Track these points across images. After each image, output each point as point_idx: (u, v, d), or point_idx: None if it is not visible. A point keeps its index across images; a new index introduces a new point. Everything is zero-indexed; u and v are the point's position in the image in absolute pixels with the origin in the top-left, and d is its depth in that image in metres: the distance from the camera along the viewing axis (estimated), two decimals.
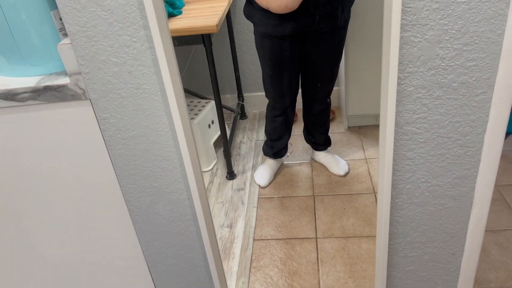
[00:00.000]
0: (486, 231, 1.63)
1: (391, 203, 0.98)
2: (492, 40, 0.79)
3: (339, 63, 1.82)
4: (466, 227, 1.02)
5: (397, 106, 0.86)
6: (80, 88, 0.88)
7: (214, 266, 1.09)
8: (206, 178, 2.17)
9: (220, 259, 1.13)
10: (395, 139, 0.90)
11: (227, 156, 2.06)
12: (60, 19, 0.91)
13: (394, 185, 0.96)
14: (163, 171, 0.98)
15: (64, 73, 0.93)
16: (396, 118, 0.87)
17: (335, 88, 2.02)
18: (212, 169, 2.22)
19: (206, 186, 2.10)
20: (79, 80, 0.87)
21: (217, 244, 1.09)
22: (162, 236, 1.08)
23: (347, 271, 1.56)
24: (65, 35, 0.92)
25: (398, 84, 0.84)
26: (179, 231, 1.07)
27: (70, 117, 0.92)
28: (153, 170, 0.98)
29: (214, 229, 1.07)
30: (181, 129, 0.87)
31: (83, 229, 1.10)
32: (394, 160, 0.92)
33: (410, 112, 0.87)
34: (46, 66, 0.93)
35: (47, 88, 0.88)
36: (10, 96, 0.89)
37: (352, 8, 1.72)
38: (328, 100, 1.94)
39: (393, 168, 0.93)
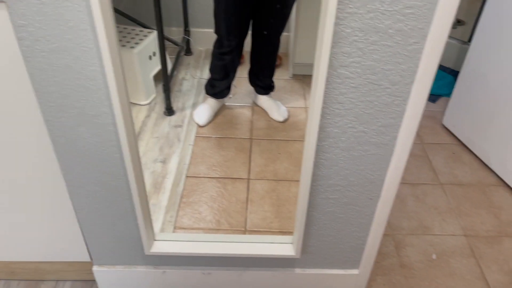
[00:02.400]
0: (405, 183, 1.74)
1: (317, 145, 0.99)
2: None
3: (293, 4, 1.77)
4: (384, 174, 1.07)
5: (332, 47, 0.85)
6: None
7: (137, 196, 1.07)
8: (143, 112, 2.10)
9: (145, 188, 1.11)
10: (327, 81, 0.90)
11: (166, 91, 2.00)
12: None
13: (322, 128, 0.97)
14: (86, 91, 0.92)
15: None
16: (330, 60, 0.87)
17: (284, 34, 1.98)
18: (150, 103, 2.15)
19: (142, 120, 2.04)
20: None
21: (142, 173, 1.07)
22: (84, 160, 1.04)
23: (274, 211, 1.61)
24: None
25: (336, 24, 0.82)
26: (103, 157, 1.03)
27: None
28: (75, 89, 0.92)
29: (139, 156, 1.04)
30: (106, 45, 0.81)
31: (1, 150, 1.04)
32: (324, 103, 0.93)
33: (346, 55, 0.87)
34: None
35: None
36: None
37: None
38: (277, 41, 1.91)
39: (322, 111, 0.94)
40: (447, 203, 1.65)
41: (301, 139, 1.97)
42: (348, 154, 1.03)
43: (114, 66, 0.84)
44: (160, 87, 2.21)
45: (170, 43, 2.47)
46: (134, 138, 1.00)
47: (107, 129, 0.98)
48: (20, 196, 1.16)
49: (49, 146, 1.02)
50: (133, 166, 1.01)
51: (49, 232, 1.26)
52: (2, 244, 1.30)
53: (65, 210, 1.18)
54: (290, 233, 1.22)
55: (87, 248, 1.27)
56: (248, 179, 1.76)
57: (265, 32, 1.86)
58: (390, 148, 1.02)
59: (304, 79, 2.41)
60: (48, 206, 1.19)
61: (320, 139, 0.99)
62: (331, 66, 0.88)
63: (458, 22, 2.62)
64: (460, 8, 2.67)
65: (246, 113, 2.14)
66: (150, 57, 2.10)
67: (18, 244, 1.30)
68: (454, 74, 2.34)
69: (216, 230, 1.54)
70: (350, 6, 0.81)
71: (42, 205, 1.19)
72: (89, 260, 1.31)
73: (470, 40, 2.33)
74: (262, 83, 2.08)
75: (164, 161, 1.83)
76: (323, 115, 0.95)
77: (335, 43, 0.85)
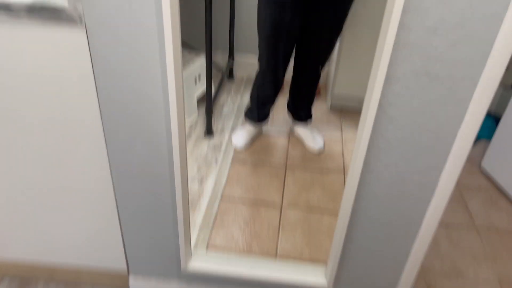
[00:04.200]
0: (440, 225, 1.72)
1: (360, 178, 1.02)
2: (484, 40, 0.82)
3: (338, 35, 1.82)
4: (423, 214, 1.08)
5: (383, 86, 0.89)
6: (77, 13, 0.87)
7: (181, 213, 1.12)
8: None
9: (188, 207, 1.16)
10: (376, 117, 0.93)
11: (208, 113, 2.07)
12: None
13: (366, 162, 1.00)
14: (147, 111, 0.98)
15: None
16: (380, 98, 0.90)
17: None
18: (191, 123, 2.23)
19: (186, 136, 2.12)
20: (77, 4, 0.86)
21: (188, 191, 1.12)
22: (135, 174, 1.10)
23: (305, 240, 1.62)
24: None
25: (389, 65, 0.86)
26: (153, 172, 1.09)
27: (62, 40, 0.91)
28: (137, 109, 0.98)
29: (187, 176, 1.09)
30: (172, 72, 0.88)
31: (58, 152, 1.11)
32: (371, 137, 0.96)
33: (395, 94, 0.90)
34: None
35: (43, 7, 0.86)
36: (4, 7, 0.87)
37: None
38: (319, 71, 1.95)
39: (368, 145, 0.97)
40: (482, 248, 1.63)
41: (336, 170, 2.00)
42: (389, 191, 1.05)
43: (177, 91, 0.91)
44: (202, 108, 2.29)
45: (214, 67, 2.56)
46: (185, 156, 1.05)
47: (160, 148, 1.04)
48: (70, 199, 1.23)
49: (105, 158, 1.09)
50: (182, 184, 1.06)
51: (91, 237, 1.32)
52: (45, 245, 1.37)
53: (110, 218, 1.24)
54: (321, 262, 1.23)
55: (126, 257, 1.33)
56: (281, 205, 1.79)
57: (306, 66, 1.91)
58: (431, 189, 1.04)
59: (342, 111, 2.44)
60: (95, 212, 1.25)
61: (363, 172, 1.02)
62: (380, 104, 0.91)
63: None
64: None
65: (283, 140, 2.18)
66: (195, 79, 2.19)
67: (61, 246, 1.36)
68: (495, 118, 2.33)
69: (248, 253, 1.57)
70: (404, 51, 0.84)
71: (89, 210, 1.25)
72: (125, 268, 1.36)
73: None
74: (301, 112, 2.12)
75: (201, 181, 1.88)
76: (368, 150, 0.98)
77: (386, 83, 0.89)
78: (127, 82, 0.95)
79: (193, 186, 1.85)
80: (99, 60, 0.92)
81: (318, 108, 2.45)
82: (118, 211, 1.20)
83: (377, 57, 0.86)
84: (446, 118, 0.92)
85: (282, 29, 1.70)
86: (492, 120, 2.30)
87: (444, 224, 1.73)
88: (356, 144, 0.98)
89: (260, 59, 1.88)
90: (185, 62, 2.14)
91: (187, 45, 2.41)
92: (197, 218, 1.69)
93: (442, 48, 0.83)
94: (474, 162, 2.07)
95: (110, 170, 1.11)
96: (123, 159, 1.08)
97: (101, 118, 1.02)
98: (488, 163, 1.98)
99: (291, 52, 1.84)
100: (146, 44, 0.89)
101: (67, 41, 0.91)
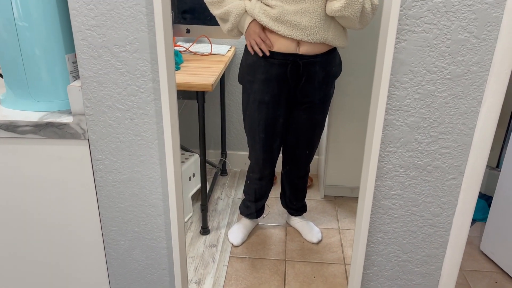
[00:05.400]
0: None
1: (362, 273, 1.01)
2: (464, 133, 0.88)
3: (321, 134, 1.91)
4: None
5: (376, 181, 0.93)
6: (81, 128, 0.92)
7: None
8: None
9: None
10: (371, 211, 0.96)
11: (204, 211, 2.08)
12: (73, 62, 0.97)
13: (367, 256, 1.00)
14: (146, 216, 1.00)
15: (67, 112, 0.97)
16: (374, 192, 0.94)
17: (315, 157, 2.10)
18: (186, 222, 2.22)
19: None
20: (81, 120, 0.92)
21: None
22: (134, 282, 1.08)
23: None
24: (75, 77, 0.98)
25: (379, 161, 0.91)
26: (153, 280, 1.07)
27: (66, 154, 0.95)
28: (137, 215, 1.00)
29: (187, 281, 1.07)
30: (172, 178, 0.91)
31: (58, 262, 1.09)
32: (369, 231, 0.98)
33: (388, 188, 0.94)
34: (50, 104, 0.98)
35: (49, 124, 0.92)
36: (11, 127, 0.92)
37: (336, 82, 1.84)
38: (307, 168, 2.01)
39: (367, 240, 0.98)
40: None
41: (336, 262, 1.96)
42: (393, 283, 1.04)
43: (177, 195, 0.93)
44: (196, 206, 2.30)
45: (207, 164, 2.62)
46: (185, 261, 1.04)
47: (160, 253, 1.04)
48: None
49: (104, 267, 1.07)
50: None
51: None
52: None
53: None
54: None
55: None
56: None
57: (294, 164, 1.97)
58: (436, 278, 1.03)
59: (335, 200, 2.46)
60: None
61: (365, 267, 1.01)
62: (375, 198, 0.94)
63: None
64: None
65: (280, 233, 2.17)
66: (189, 178, 2.22)
67: None
68: (486, 198, 2.37)
69: None
70: (391, 146, 0.90)
71: None
72: None
73: (498, 165, 2.40)
74: (294, 205, 2.14)
75: (198, 283, 1.82)
76: (368, 244, 0.99)
77: (378, 177, 0.93)
78: (126, 189, 0.97)
79: None
80: (100, 170, 0.96)
81: (312, 198, 2.47)
82: None
83: (367, 152, 0.91)
84: (439, 206, 0.95)
85: (265, 127, 1.77)
86: (484, 202, 2.34)
87: None
88: (355, 238, 0.99)
89: (250, 156, 1.95)
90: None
91: (181, 147, 2.49)
92: None
93: (425, 142, 0.89)
94: (472, 245, 2.06)
95: (109, 277, 1.09)
96: (122, 268, 1.06)
97: (101, 225, 1.02)
98: (487, 246, 1.97)
99: (279, 149, 1.91)
100: (146, 151, 0.93)
101: (70, 153, 0.95)
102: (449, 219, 0.96)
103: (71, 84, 0.90)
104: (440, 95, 0.85)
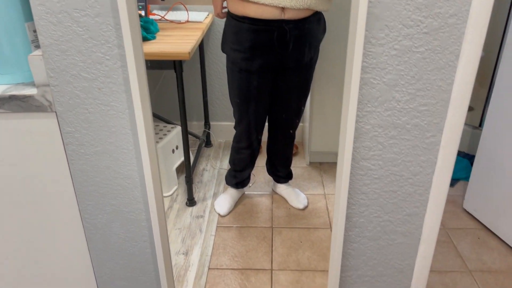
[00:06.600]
0: (432, 271, 1.69)
1: (344, 235, 1.01)
2: (442, 89, 0.86)
3: (306, 99, 1.89)
4: (413, 263, 1.07)
5: (354, 142, 0.91)
6: (47, 100, 0.88)
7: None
8: (166, 203, 2.15)
9: (174, 283, 1.12)
10: (351, 173, 0.94)
11: (189, 183, 2.06)
12: (34, 31, 0.92)
13: (348, 218, 1.00)
14: (123, 189, 0.97)
15: (32, 84, 0.93)
16: (353, 154, 0.92)
17: (300, 124, 2.08)
18: (172, 194, 2.21)
19: (165, 211, 2.08)
20: (46, 92, 0.87)
21: (172, 268, 1.08)
22: (116, 256, 1.07)
23: None
24: (37, 47, 0.93)
25: (357, 121, 0.89)
26: (134, 252, 1.06)
27: (34, 128, 0.91)
28: (113, 188, 0.97)
29: (169, 252, 1.06)
30: (145, 148, 0.88)
31: (35, 241, 1.07)
32: (349, 193, 0.97)
33: (366, 148, 0.92)
34: (13, 76, 0.93)
35: (12, 97, 0.87)
36: None
37: (320, 47, 1.81)
38: (292, 134, 2.00)
39: (348, 202, 0.97)
40: None
41: (323, 227, 1.97)
42: (376, 243, 1.04)
43: (152, 166, 0.90)
44: (182, 178, 2.28)
45: (191, 136, 2.59)
46: (165, 231, 1.03)
47: (140, 225, 1.02)
48: (49, 283, 1.16)
49: (84, 242, 1.06)
50: (164, 261, 1.03)
51: None
52: None
53: None
54: None
55: None
56: (271, 269, 1.73)
57: (279, 130, 1.96)
58: (417, 236, 1.03)
59: (321, 166, 2.47)
60: None
61: (347, 229, 1.01)
62: (353, 159, 0.93)
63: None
64: None
65: (266, 201, 2.17)
66: (173, 151, 2.19)
67: None
68: (469, 157, 2.39)
69: None
70: (369, 105, 0.88)
71: None
72: None
73: (481, 124, 2.41)
74: (280, 172, 2.13)
75: (186, 253, 1.83)
76: (348, 205, 0.98)
77: (356, 138, 0.91)
78: (100, 162, 0.94)
79: (178, 260, 1.79)
80: (71, 143, 0.92)
81: (298, 165, 2.47)
82: None
83: (344, 113, 0.89)
84: (419, 165, 0.94)
85: (251, 96, 1.75)
86: (467, 161, 2.36)
87: (437, 271, 1.70)
88: (335, 201, 0.98)
89: (235, 126, 1.92)
90: (162, 135, 2.16)
91: (163, 119, 2.45)
92: None
93: (404, 100, 0.87)
94: (456, 204, 2.09)
95: (89, 252, 1.07)
96: (102, 242, 1.05)
97: (77, 200, 1.00)
98: (470, 204, 1.99)
99: (265, 117, 1.89)
100: (117, 122, 0.90)
101: (38, 127, 0.92)
102: (429, 177, 0.95)
103: (32, 54, 0.85)
104: (417, 50, 0.83)
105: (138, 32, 0.82)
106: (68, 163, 0.95)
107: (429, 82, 0.85)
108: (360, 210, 0.99)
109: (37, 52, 0.86)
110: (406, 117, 0.89)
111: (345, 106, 0.87)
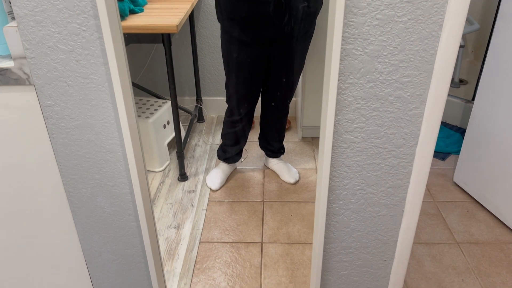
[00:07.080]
0: (420, 243, 1.72)
1: (328, 208, 1.02)
2: (426, 60, 0.85)
3: (300, 72, 1.87)
4: (397, 235, 1.08)
5: (336, 114, 0.90)
6: (25, 73, 0.87)
7: (153, 264, 1.08)
8: (158, 178, 2.15)
9: (160, 256, 1.13)
10: (334, 146, 0.94)
11: (180, 157, 2.06)
12: (10, 1, 0.90)
13: (331, 191, 1.00)
14: (106, 163, 0.97)
15: (9, 57, 0.91)
16: (335, 126, 0.91)
17: (292, 99, 2.07)
18: (164, 169, 2.21)
19: (157, 187, 2.09)
20: (23, 64, 0.86)
21: (158, 241, 1.09)
22: (101, 229, 1.07)
23: (289, 276, 1.59)
24: (14, 18, 0.91)
25: (339, 93, 0.88)
26: (120, 226, 1.06)
27: (12, 101, 0.90)
28: (96, 162, 0.97)
29: (155, 225, 1.07)
30: (125, 121, 0.87)
31: (20, 217, 1.08)
32: (332, 166, 0.97)
33: (349, 121, 0.92)
34: None
35: None
36: None
37: (317, 21, 1.78)
38: (286, 108, 1.98)
39: (331, 174, 0.97)
40: (465, 262, 1.62)
41: (313, 201, 1.99)
42: (359, 215, 1.05)
43: (132, 140, 0.90)
44: (174, 153, 2.28)
45: (183, 111, 2.58)
46: (150, 206, 1.03)
47: (124, 199, 1.02)
48: (37, 261, 1.18)
49: (69, 216, 1.06)
50: (150, 234, 1.04)
51: None
52: None
53: (80, 275, 1.19)
54: None
55: None
56: (262, 242, 1.75)
57: (273, 104, 1.94)
58: (400, 208, 1.04)
59: (313, 141, 2.46)
60: (63, 269, 1.20)
61: (330, 201, 1.02)
62: (336, 132, 0.92)
63: (461, 82, 2.71)
64: (462, 68, 2.77)
65: (258, 176, 2.18)
66: (164, 126, 2.19)
67: None
68: (461, 131, 2.38)
69: None
70: (351, 77, 0.87)
71: (56, 267, 1.20)
72: None
73: (473, 98, 2.39)
74: (273, 147, 2.13)
75: (177, 227, 1.84)
76: (331, 178, 0.98)
77: (338, 111, 0.90)
78: (82, 135, 0.94)
79: (170, 233, 1.80)
80: (51, 117, 0.92)
81: (290, 140, 2.47)
82: (88, 268, 1.16)
83: (325, 85, 0.88)
84: (402, 137, 0.94)
85: (245, 66, 1.73)
86: (459, 135, 2.36)
87: (425, 243, 1.72)
88: (318, 173, 0.98)
89: (228, 99, 1.91)
90: (153, 110, 2.15)
91: (154, 94, 2.42)
92: (176, 267, 1.64)
93: (386, 72, 0.86)
94: (447, 177, 2.10)
95: (75, 225, 1.08)
96: (87, 217, 1.05)
97: (60, 173, 1.00)
98: (460, 177, 2.00)
99: (259, 89, 1.87)
100: (97, 95, 0.89)
101: (17, 101, 0.91)
102: (412, 150, 0.95)
103: (6, 25, 0.83)
104: (400, 20, 0.81)
105: (114, 1, 0.80)
106: (50, 137, 0.94)
107: (412, 53, 0.84)
108: (344, 183, 1.00)
109: (12, 24, 0.84)
110: (389, 89, 0.88)
111: (327, 77, 0.86)
